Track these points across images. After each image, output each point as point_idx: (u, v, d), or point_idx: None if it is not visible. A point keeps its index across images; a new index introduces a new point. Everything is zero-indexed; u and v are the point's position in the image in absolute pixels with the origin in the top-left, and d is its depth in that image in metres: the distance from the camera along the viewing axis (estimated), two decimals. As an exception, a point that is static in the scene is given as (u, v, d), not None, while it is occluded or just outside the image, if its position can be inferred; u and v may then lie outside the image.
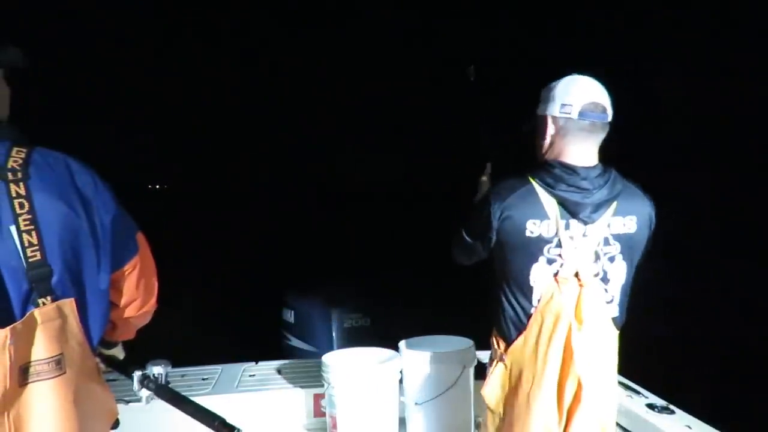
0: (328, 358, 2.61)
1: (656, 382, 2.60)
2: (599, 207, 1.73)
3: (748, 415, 3.77)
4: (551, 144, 1.82)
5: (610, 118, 1.81)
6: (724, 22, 6.87)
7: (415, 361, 2.60)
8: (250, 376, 2.97)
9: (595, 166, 1.78)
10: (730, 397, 4.31)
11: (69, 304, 1.27)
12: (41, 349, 1.21)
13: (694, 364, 5.01)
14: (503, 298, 1.82)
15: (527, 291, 1.76)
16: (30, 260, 1.22)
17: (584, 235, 1.74)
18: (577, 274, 1.75)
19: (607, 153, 1.84)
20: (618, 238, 1.77)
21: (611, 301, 1.81)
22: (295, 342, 4.07)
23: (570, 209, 1.72)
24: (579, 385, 1.72)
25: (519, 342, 1.79)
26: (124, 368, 1.68)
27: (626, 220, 1.78)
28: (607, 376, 1.82)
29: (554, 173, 1.74)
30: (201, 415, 1.51)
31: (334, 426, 2.55)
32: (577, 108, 1.76)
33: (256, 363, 3.12)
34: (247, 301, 7.22)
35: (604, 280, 1.79)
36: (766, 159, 6.31)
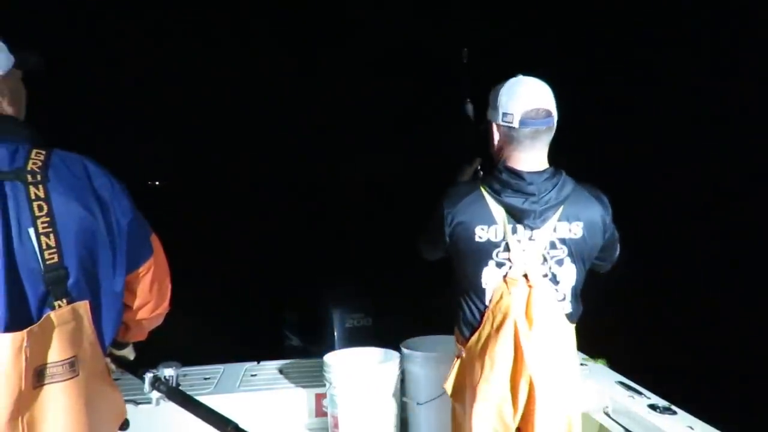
0: (329, 358, 2.62)
1: (657, 382, 2.61)
2: (544, 213, 1.77)
3: (749, 415, 3.77)
4: (500, 148, 1.86)
5: (554, 121, 1.83)
6: (722, 20, 6.88)
7: (416, 362, 2.61)
8: (252, 375, 2.98)
9: (543, 171, 1.80)
10: (731, 397, 4.31)
11: (83, 307, 1.28)
12: (56, 351, 1.21)
13: (695, 364, 5.02)
14: (460, 299, 1.89)
15: (480, 293, 1.83)
16: (47, 262, 1.23)
17: (531, 239, 1.79)
18: (526, 275, 1.79)
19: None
20: (564, 242, 1.81)
21: (563, 299, 1.84)
22: (297, 342, 4.08)
23: (515, 215, 1.77)
24: (531, 385, 1.76)
25: (473, 339, 1.86)
26: (134, 369, 1.68)
27: (572, 225, 1.80)
28: (565, 371, 1.85)
29: (501, 179, 1.79)
30: (213, 419, 1.50)
31: (336, 426, 2.56)
32: (518, 117, 1.78)
33: (258, 363, 3.13)
34: (248, 301, 7.22)
35: (554, 281, 1.82)
36: (761, 157, 6.32)
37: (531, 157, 1.81)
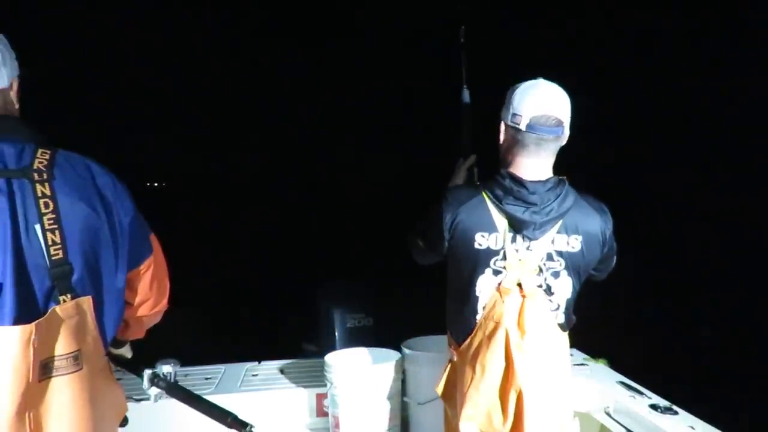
0: (330, 358, 2.62)
1: (658, 382, 2.60)
2: (544, 225, 1.74)
3: (750, 415, 3.77)
4: (506, 149, 1.82)
5: (565, 131, 1.78)
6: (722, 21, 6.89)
7: (417, 362, 2.61)
8: (253, 375, 2.97)
9: (546, 180, 1.76)
10: (732, 397, 4.31)
11: (87, 302, 1.30)
12: (61, 344, 1.24)
13: (696, 365, 5.02)
14: (453, 304, 1.88)
15: (473, 300, 1.80)
16: (53, 258, 1.26)
17: (528, 249, 1.76)
18: (520, 285, 1.76)
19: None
20: (561, 255, 1.77)
21: (557, 308, 1.82)
22: (298, 342, 4.06)
23: (515, 225, 1.74)
24: (520, 394, 1.74)
25: (465, 345, 1.84)
26: (132, 367, 1.70)
27: (571, 238, 1.77)
28: (556, 380, 1.82)
29: (504, 185, 1.75)
30: (213, 412, 1.53)
31: (337, 426, 2.56)
32: (526, 120, 1.73)
33: (259, 362, 3.13)
34: (249, 300, 7.22)
35: (548, 292, 1.79)
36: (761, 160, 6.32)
37: (535, 164, 1.77)
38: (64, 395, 1.24)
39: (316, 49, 11.88)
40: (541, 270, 1.77)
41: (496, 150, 1.90)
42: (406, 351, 2.64)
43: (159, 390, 1.64)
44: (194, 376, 2.89)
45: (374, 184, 11.59)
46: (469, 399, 1.79)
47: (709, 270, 6.31)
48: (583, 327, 1.95)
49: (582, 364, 2.87)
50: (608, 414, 2.50)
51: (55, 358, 1.23)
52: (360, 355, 2.72)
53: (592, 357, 2.94)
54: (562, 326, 1.83)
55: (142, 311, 1.60)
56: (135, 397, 2.13)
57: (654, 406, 2.37)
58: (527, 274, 1.76)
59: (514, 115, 1.75)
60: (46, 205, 1.26)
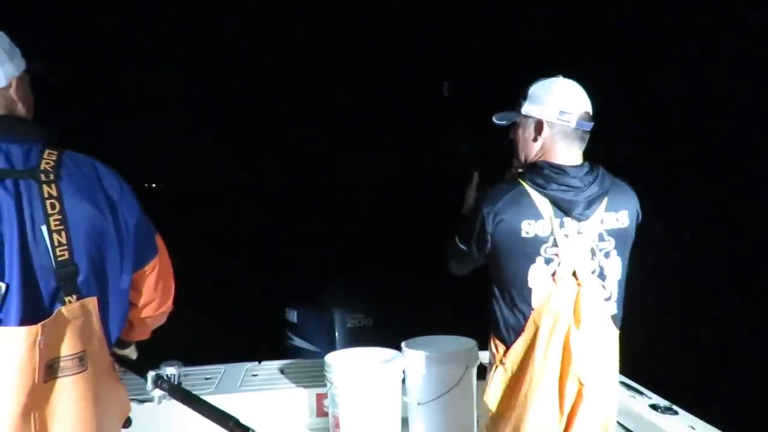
0: (330, 358, 2.62)
1: (659, 382, 2.61)
2: (591, 203, 1.75)
3: (749, 415, 3.77)
4: (542, 144, 1.84)
5: None
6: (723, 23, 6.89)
7: (417, 361, 2.61)
8: (253, 375, 2.98)
9: (582, 165, 1.82)
10: (732, 397, 4.31)
11: (92, 303, 1.31)
12: (66, 345, 1.25)
13: (697, 365, 5.02)
14: (501, 303, 1.82)
15: (526, 293, 1.76)
16: (58, 259, 1.26)
17: (579, 232, 1.75)
18: (574, 273, 1.75)
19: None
20: (612, 233, 1.79)
21: (609, 298, 1.82)
22: (298, 342, 4.07)
23: (563, 207, 1.74)
24: (580, 384, 1.73)
25: (518, 344, 1.79)
26: (136, 368, 1.70)
27: (619, 215, 1.81)
28: (608, 375, 1.83)
29: (544, 174, 1.76)
30: (215, 416, 1.52)
31: (337, 426, 2.56)
32: (576, 117, 1.80)
33: (259, 363, 3.13)
34: (249, 301, 7.22)
35: (601, 276, 1.79)
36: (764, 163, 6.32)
37: (572, 153, 1.82)
38: (69, 396, 1.24)
39: (316, 48, 11.89)
40: (594, 252, 1.77)
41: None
42: (407, 351, 2.64)
43: (162, 392, 1.64)
44: (194, 376, 2.89)
45: (374, 184, 11.59)
46: (533, 400, 1.74)
47: (709, 269, 6.31)
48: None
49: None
50: (608, 414, 2.50)
51: (61, 359, 1.24)
52: (360, 355, 2.72)
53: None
54: (614, 318, 1.83)
55: (147, 312, 1.60)
56: (138, 398, 2.13)
57: (654, 406, 2.38)
58: (581, 259, 1.75)
59: (563, 112, 1.80)
60: (53, 206, 1.26)
